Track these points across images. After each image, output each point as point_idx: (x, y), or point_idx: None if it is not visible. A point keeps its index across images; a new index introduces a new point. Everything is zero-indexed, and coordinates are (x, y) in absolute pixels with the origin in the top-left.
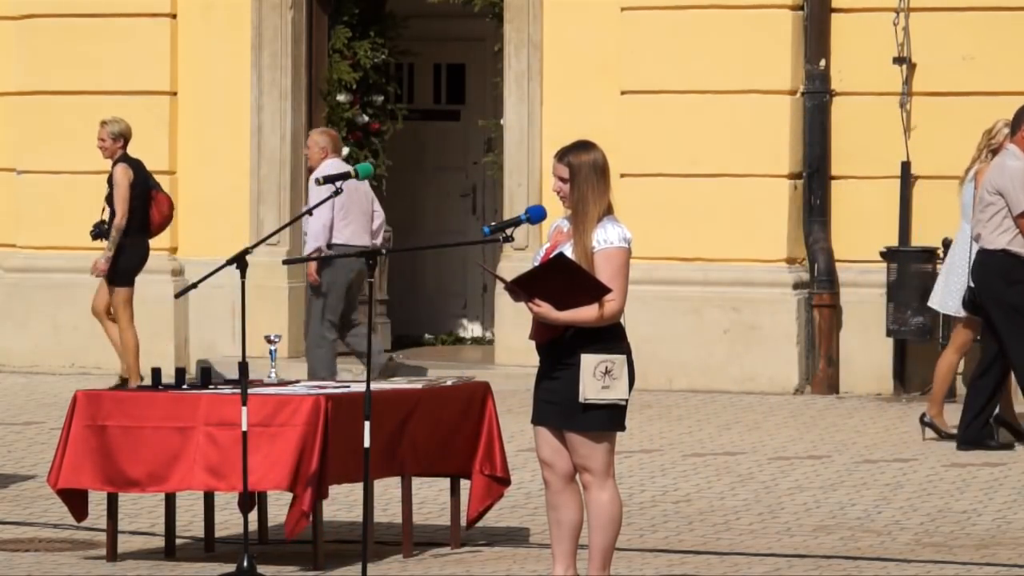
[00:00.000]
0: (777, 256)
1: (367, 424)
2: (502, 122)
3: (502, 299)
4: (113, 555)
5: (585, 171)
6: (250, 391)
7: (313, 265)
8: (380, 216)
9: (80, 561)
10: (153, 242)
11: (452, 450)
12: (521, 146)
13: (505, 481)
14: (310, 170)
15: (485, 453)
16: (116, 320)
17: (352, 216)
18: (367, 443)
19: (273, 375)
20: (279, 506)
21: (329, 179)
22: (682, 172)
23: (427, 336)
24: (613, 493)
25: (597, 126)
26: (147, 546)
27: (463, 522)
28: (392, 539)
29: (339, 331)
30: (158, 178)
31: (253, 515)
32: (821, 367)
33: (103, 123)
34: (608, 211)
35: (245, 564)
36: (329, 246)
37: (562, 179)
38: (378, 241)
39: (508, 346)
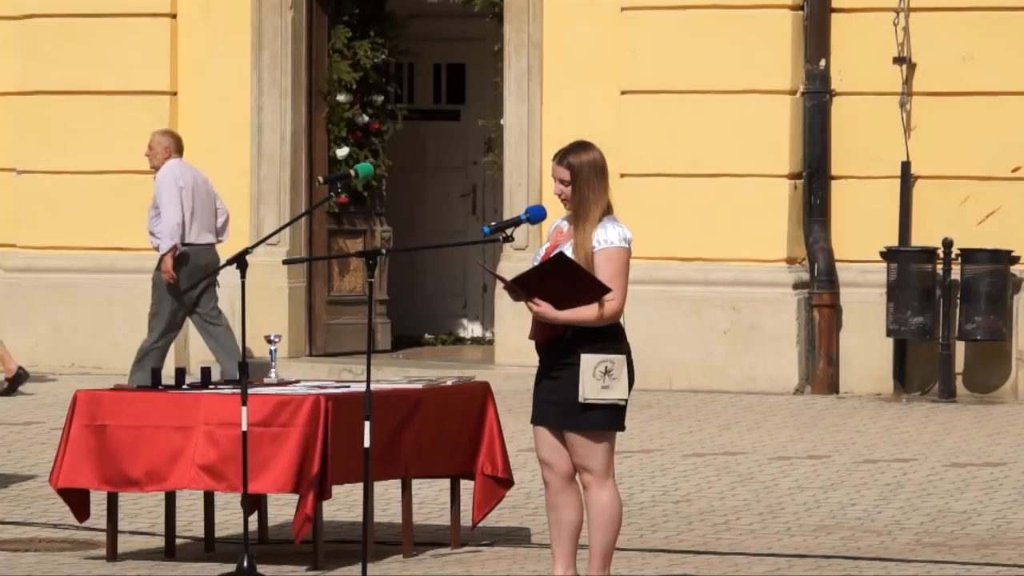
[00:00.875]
0: (777, 256)
1: (367, 424)
2: (502, 122)
3: (502, 299)
4: (113, 555)
5: (586, 172)
6: (250, 391)
7: (170, 263)
8: (224, 213)
9: (80, 561)
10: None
11: (453, 451)
12: (521, 146)
13: (507, 482)
14: (155, 169)
15: (487, 454)
16: None
17: (197, 214)
18: (367, 443)
19: (273, 375)
20: (279, 506)
21: (330, 179)
22: (682, 172)
23: (427, 336)
24: (613, 493)
25: (597, 126)
26: (147, 546)
27: (463, 522)
28: (392, 539)
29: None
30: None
31: (253, 515)
32: (821, 367)
33: None
34: (608, 211)
35: (245, 564)
36: (182, 244)
37: (563, 181)
38: (224, 238)
39: (508, 346)
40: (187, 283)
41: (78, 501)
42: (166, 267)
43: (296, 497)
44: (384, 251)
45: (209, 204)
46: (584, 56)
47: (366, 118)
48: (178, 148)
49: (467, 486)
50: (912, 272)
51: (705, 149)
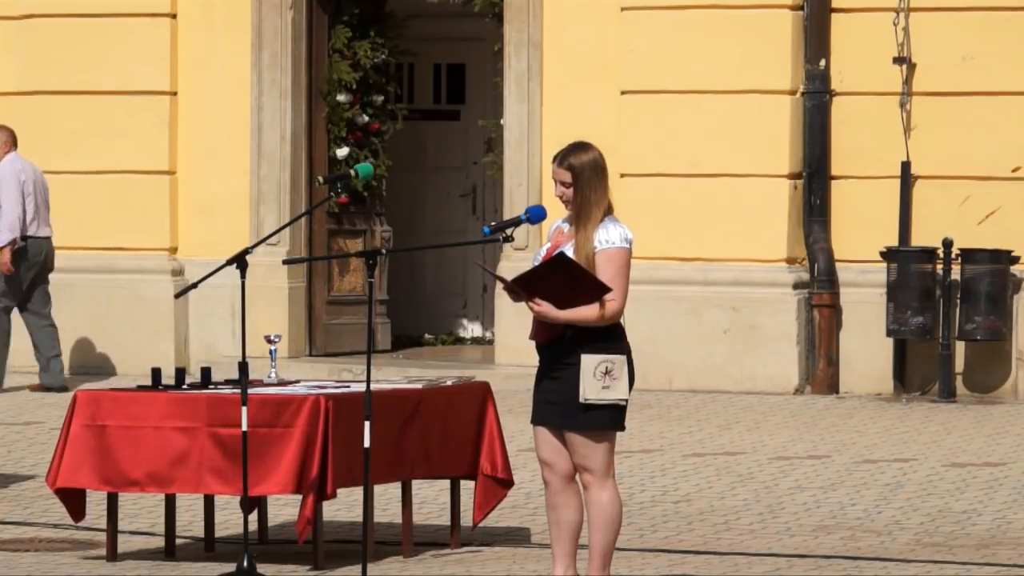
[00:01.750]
0: (777, 256)
1: (367, 424)
2: (502, 122)
3: (502, 299)
4: (113, 555)
5: (587, 172)
6: (251, 391)
7: (7, 256)
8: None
9: (80, 561)
10: (152, 242)
11: (453, 451)
12: (521, 146)
13: (507, 483)
14: None
15: (487, 454)
16: None
17: (37, 208)
18: (367, 443)
19: (273, 375)
20: (279, 506)
21: (330, 179)
22: (682, 172)
23: (427, 336)
24: (613, 493)
25: (597, 126)
26: (147, 546)
27: (463, 522)
28: (392, 539)
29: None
30: (158, 178)
31: (253, 515)
32: (821, 367)
33: None
34: (609, 211)
35: (245, 564)
36: (24, 238)
37: (564, 183)
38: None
39: (508, 346)
40: (20, 268)
41: (74, 501)
42: (4, 259)
43: (296, 497)
44: (384, 251)
45: (46, 198)
46: (584, 56)
47: (366, 118)
48: (14, 142)
49: (467, 486)
50: (912, 272)
51: (705, 149)
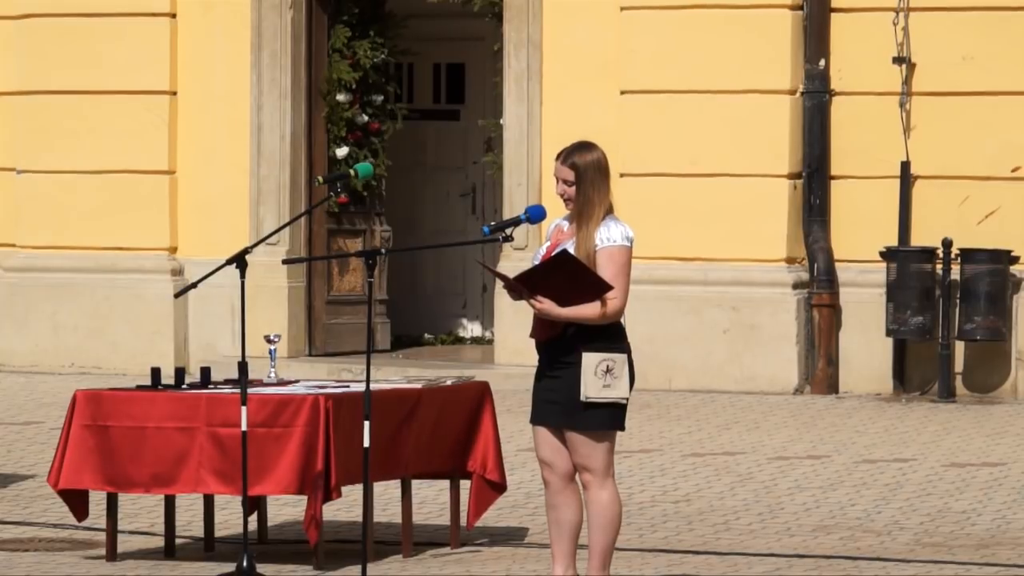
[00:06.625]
0: (777, 256)
1: (367, 424)
2: (502, 122)
3: (502, 299)
4: (113, 555)
5: (591, 172)
6: (251, 391)
7: None
8: None
9: (80, 561)
10: (152, 241)
11: (451, 451)
12: (521, 146)
13: (500, 487)
14: None
15: (482, 456)
16: None
17: None
18: (367, 443)
19: (273, 375)
20: (279, 506)
21: (329, 179)
22: (682, 172)
23: (427, 336)
24: (613, 493)
25: (597, 126)
26: (147, 546)
27: (463, 522)
28: (392, 539)
29: None
30: (157, 178)
31: (253, 515)
32: (821, 367)
33: None
34: (610, 210)
35: (245, 564)
36: None
37: (567, 182)
38: None
39: (508, 346)
40: None
41: (78, 501)
42: None
43: (296, 497)
44: (384, 251)
45: None
46: (584, 56)
47: (366, 118)
48: None
49: (467, 486)
50: (912, 272)
51: (705, 149)
